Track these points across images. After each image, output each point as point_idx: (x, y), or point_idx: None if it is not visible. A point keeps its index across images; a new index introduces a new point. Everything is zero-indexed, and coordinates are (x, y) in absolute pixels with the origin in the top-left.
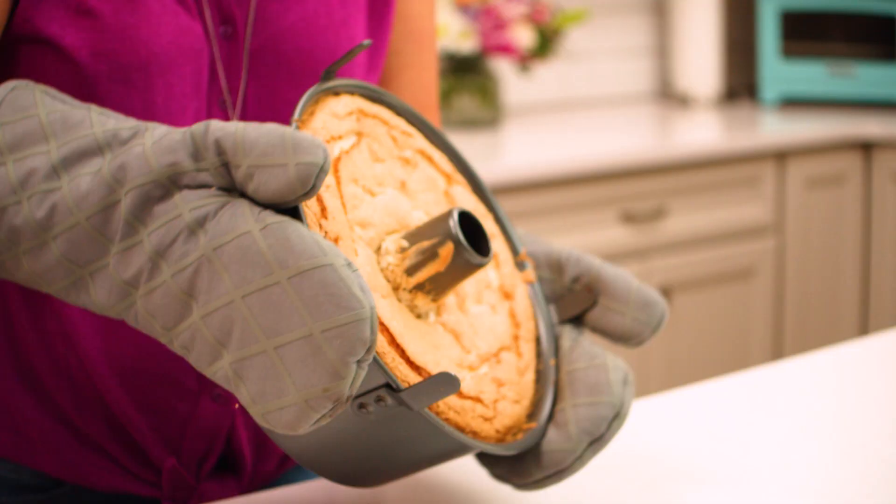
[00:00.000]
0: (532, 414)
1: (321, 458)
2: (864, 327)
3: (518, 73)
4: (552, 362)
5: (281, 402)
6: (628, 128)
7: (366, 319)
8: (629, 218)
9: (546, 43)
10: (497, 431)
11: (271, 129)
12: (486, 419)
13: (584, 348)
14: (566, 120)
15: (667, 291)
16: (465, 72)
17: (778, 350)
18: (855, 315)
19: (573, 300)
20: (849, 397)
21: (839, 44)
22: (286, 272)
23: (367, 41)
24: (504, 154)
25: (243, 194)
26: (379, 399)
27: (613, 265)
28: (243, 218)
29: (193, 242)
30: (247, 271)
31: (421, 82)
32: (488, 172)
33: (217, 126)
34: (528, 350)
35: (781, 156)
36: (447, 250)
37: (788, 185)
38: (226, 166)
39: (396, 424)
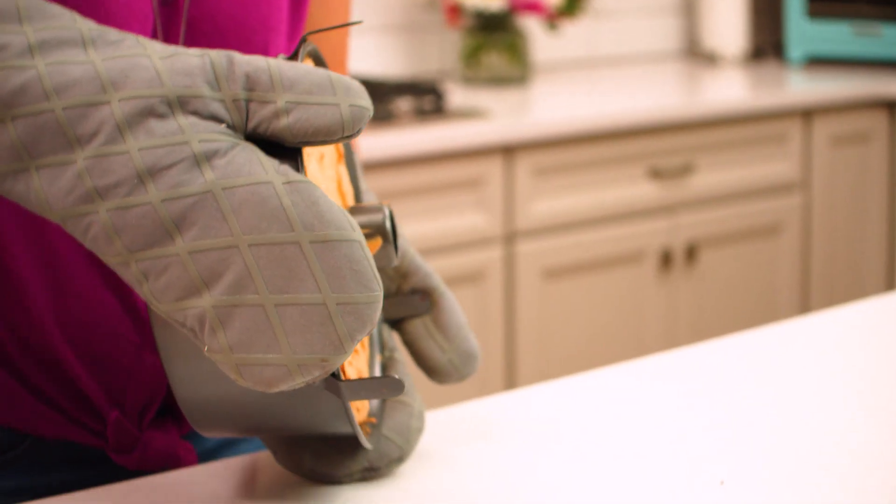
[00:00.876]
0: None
1: (209, 410)
2: (890, 283)
3: (546, 30)
4: (379, 358)
5: (266, 359)
6: (656, 85)
7: (380, 303)
8: (657, 174)
9: (574, 1)
10: (361, 423)
11: (310, 68)
12: (357, 410)
13: (399, 374)
14: (594, 77)
15: (694, 247)
16: (493, 30)
17: (804, 306)
18: (881, 271)
19: (404, 303)
20: (874, 352)
21: (864, 4)
22: (309, 235)
23: (360, 20)
24: (533, 111)
25: (249, 138)
26: None
27: (454, 298)
28: (260, 166)
29: (196, 175)
30: (260, 221)
31: (329, 44)
32: (517, 129)
33: (243, 59)
34: (366, 343)
35: (807, 114)
36: (374, 244)
37: (814, 142)
38: (246, 102)
39: (306, 400)
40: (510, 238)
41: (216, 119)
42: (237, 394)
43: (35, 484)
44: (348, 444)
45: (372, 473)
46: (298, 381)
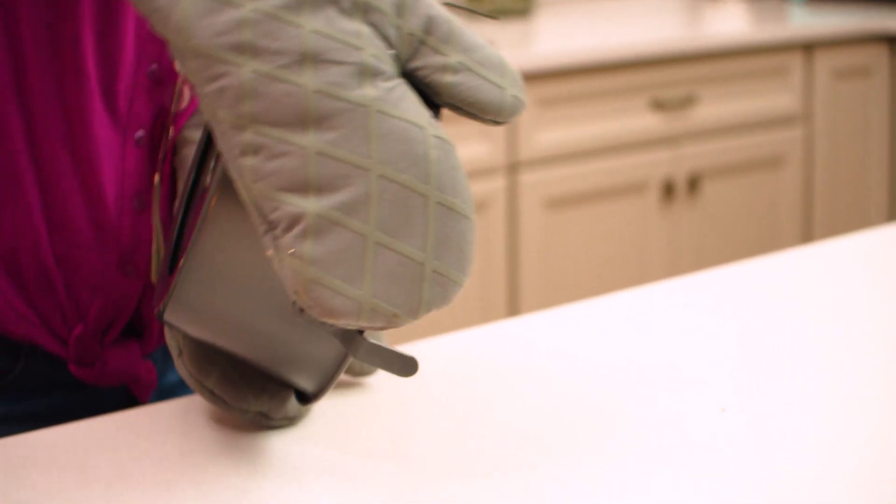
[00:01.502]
0: None
1: (199, 314)
2: (892, 214)
3: None
4: None
5: (342, 287)
6: (658, 18)
7: (462, 288)
8: (659, 105)
9: None
10: None
11: (485, 42)
12: None
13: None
14: (597, 10)
15: (696, 178)
16: None
17: (807, 237)
18: (883, 203)
19: None
20: (877, 281)
21: None
22: (438, 196)
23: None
24: (536, 42)
25: (404, 76)
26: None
27: None
28: (417, 110)
29: (357, 84)
30: (401, 160)
31: None
32: (520, 60)
33: (430, 5)
34: None
35: (808, 47)
36: None
37: (816, 76)
38: (419, 42)
39: (308, 342)
40: (513, 168)
41: (388, 42)
42: (245, 314)
43: (25, 411)
44: (257, 382)
45: (262, 420)
46: (360, 323)
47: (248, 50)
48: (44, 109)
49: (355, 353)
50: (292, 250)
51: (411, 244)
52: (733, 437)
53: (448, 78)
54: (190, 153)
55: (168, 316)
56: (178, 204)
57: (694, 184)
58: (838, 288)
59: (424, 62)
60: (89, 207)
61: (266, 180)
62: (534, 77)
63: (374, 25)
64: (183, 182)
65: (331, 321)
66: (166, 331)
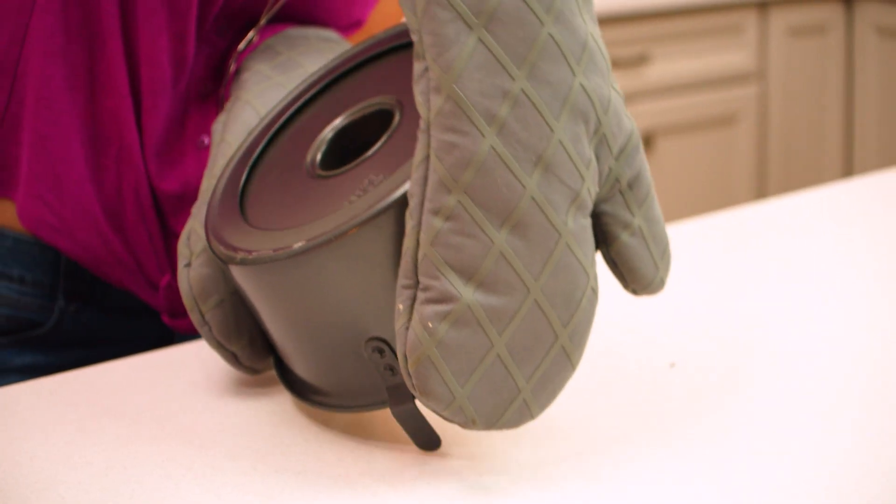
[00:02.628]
0: None
1: (271, 304)
2: (846, 172)
3: None
4: None
5: (449, 378)
6: None
7: (533, 420)
8: (612, 63)
9: None
10: None
11: (661, 218)
12: None
13: None
14: None
15: (650, 136)
16: None
17: (761, 194)
18: (837, 160)
19: None
20: (830, 236)
21: None
22: (566, 342)
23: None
24: None
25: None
26: (391, 369)
27: None
28: (592, 258)
29: (565, 210)
30: (558, 297)
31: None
32: None
33: (643, 161)
34: None
35: (763, 5)
36: None
37: (771, 33)
38: (618, 191)
39: (352, 367)
40: None
41: (599, 177)
42: (309, 316)
43: (49, 361)
44: (244, 326)
45: (231, 360)
46: (441, 413)
47: (498, 124)
48: (145, 57)
49: (396, 410)
50: (429, 323)
51: (522, 372)
52: (682, 391)
53: (625, 237)
54: (248, 78)
55: (235, 269)
56: (247, 143)
57: (648, 142)
58: (791, 244)
59: (614, 211)
60: (164, 154)
61: (442, 249)
62: None
63: (598, 158)
64: (233, 104)
65: (421, 398)
66: (182, 238)
